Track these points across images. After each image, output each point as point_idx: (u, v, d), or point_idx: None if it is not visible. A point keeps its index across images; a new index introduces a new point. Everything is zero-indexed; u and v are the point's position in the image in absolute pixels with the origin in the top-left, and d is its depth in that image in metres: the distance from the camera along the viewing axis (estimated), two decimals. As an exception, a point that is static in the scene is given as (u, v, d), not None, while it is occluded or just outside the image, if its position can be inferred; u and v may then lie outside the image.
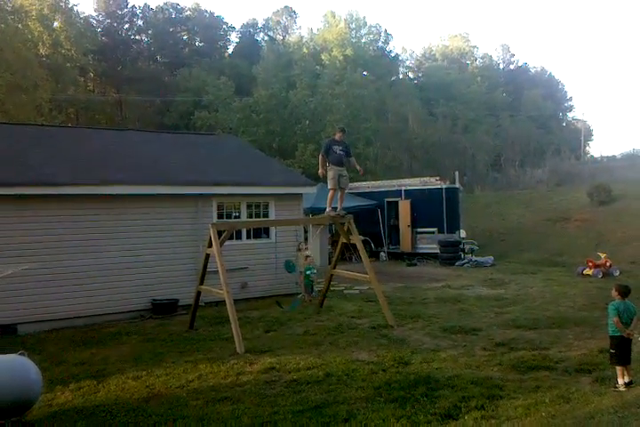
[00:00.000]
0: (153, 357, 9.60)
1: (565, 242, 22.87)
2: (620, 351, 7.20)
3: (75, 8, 46.15)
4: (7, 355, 7.19)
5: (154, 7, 55.16)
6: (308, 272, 14.28)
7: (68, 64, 42.64)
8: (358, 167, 11.94)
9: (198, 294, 11.61)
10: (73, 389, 8.11)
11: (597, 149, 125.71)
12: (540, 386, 7.46)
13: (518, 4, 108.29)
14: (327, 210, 11.90)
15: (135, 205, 13.23)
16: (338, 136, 11.87)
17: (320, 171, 11.79)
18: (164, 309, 13.18)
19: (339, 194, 11.89)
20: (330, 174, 11.62)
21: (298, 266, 14.34)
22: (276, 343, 10.16)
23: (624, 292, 7.28)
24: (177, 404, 7.31)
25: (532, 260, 21.48)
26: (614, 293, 7.35)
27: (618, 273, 17.23)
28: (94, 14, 51.46)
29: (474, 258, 21.27)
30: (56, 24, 42.76)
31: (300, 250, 15.10)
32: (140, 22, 54.23)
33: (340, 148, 11.65)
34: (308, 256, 15.05)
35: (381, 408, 6.80)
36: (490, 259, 21.18)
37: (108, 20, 51.72)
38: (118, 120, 46.26)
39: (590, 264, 17.39)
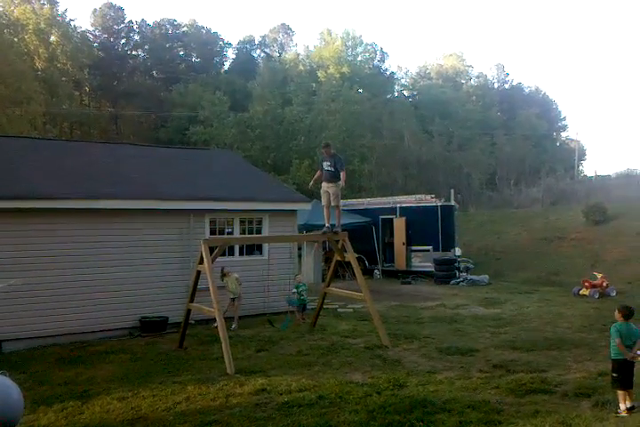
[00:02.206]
0: (140, 377, 9.31)
1: (561, 261, 22.72)
2: (623, 375, 7.00)
3: (72, 23, 46.43)
4: (-13, 375, 6.91)
5: (151, 23, 55.52)
6: (299, 289, 13.94)
7: (64, 78, 42.75)
8: (341, 181, 11.49)
9: (188, 311, 11.35)
10: (56, 410, 7.83)
11: (591, 168, 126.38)
12: (539, 411, 7.23)
13: (513, 24, 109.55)
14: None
15: (126, 220, 12.98)
16: (325, 151, 11.80)
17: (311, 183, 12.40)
18: (153, 327, 12.87)
19: (335, 211, 11.83)
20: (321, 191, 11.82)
21: (230, 292, 13.26)
22: (268, 364, 9.89)
23: (627, 314, 7.08)
24: (163, 428, 7.04)
25: (527, 279, 21.31)
26: (617, 314, 7.15)
27: (615, 293, 17.04)
28: (91, 29, 51.74)
29: (469, 276, 21.10)
30: (52, 38, 42.89)
31: (224, 275, 13.14)
32: (136, 37, 54.47)
33: (328, 163, 11.57)
34: (297, 275, 14.62)
35: (376, 433, 6.55)
36: (485, 278, 20.99)
37: (105, 35, 51.94)
38: (113, 135, 46.22)
39: (587, 284, 17.20)
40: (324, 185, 11.66)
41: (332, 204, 11.69)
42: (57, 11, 43.79)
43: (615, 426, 6.45)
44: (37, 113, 36.18)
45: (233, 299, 13.35)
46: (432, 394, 7.96)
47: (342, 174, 11.47)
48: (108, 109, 48.57)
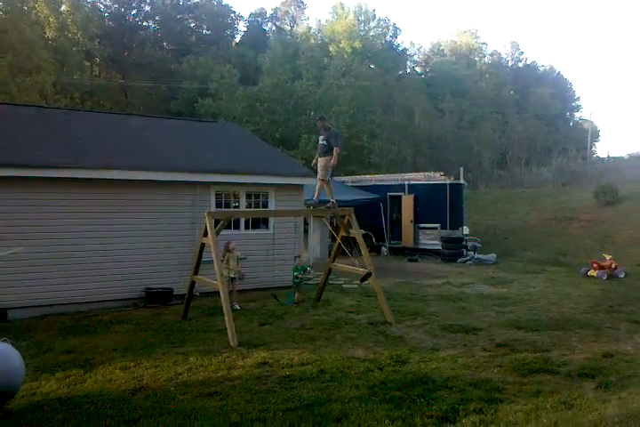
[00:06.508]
0: (143, 347, 9.34)
1: (570, 242, 22.56)
2: None
3: (82, -8, 45.72)
4: (-12, 342, 6.93)
5: (162, -7, 54.64)
6: (295, 273, 13.65)
7: (74, 48, 42.26)
8: (333, 160, 11.10)
9: (192, 283, 11.35)
10: (59, 378, 7.86)
11: (604, 149, 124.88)
12: (542, 390, 7.18)
13: (528, 1, 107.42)
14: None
15: (132, 190, 12.92)
16: (319, 124, 11.66)
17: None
18: (158, 298, 12.91)
19: (324, 185, 11.67)
20: None
21: (229, 270, 12.46)
22: (271, 337, 9.89)
23: None
24: (164, 397, 7.05)
25: (535, 259, 21.19)
26: None
27: (623, 275, 16.90)
28: (102, -1, 50.99)
29: (476, 255, 21.00)
30: (63, 7, 42.32)
31: (229, 251, 12.57)
32: (147, 8, 53.71)
33: (322, 137, 11.42)
34: (297, 257, 13.94)
35: (376, 408, 6.53)
36: (492, 257, 20.89)
37: (116, 5, 51.22)
38: (123, 106, 45.89)
39: (595, 265, 17.06)
40: (318, 159, 11.52)
41: (318, 176, 11.54)
42: (68, -21, 43.16)
43: (617, 408, 6.37)
44: (47, 82, 35.82)
45: (232, 278, 12.63)
46: (434, 371, 7.94)
47: (335, 150, 11.13)
48: (119, 80, 48.17)
